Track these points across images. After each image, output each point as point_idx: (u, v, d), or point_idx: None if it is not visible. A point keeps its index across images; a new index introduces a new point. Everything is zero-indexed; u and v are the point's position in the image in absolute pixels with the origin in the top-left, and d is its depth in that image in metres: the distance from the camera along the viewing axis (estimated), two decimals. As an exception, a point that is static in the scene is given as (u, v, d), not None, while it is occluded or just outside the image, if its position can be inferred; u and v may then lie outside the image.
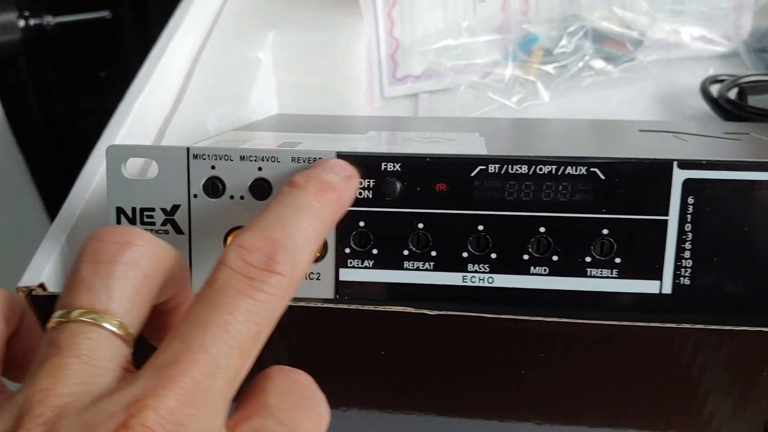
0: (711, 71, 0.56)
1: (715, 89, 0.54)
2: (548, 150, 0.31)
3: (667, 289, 0.30)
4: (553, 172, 0.29)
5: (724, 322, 0.30)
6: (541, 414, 0.33)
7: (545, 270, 0.30)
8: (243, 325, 0.21)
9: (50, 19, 0.77)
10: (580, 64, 0.55)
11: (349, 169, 0.29)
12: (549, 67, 0.54)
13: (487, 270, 0.30)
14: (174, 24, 0.49)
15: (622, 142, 0.38)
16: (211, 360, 0.20)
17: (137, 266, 0.23)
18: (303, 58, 0.52)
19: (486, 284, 0.30)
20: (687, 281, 0.30)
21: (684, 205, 0.29)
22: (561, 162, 0.29)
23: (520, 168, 0.29)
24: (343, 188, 0.28)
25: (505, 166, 0.29)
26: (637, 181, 0.29)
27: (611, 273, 0.30)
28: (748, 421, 0.32)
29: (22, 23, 0.74)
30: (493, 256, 0.30)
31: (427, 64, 0.56)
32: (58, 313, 0.22)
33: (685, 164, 0.29)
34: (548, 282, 0.30)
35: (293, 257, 0.23)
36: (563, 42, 0.55)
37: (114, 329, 0.22)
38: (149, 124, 0.43)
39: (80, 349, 0.21)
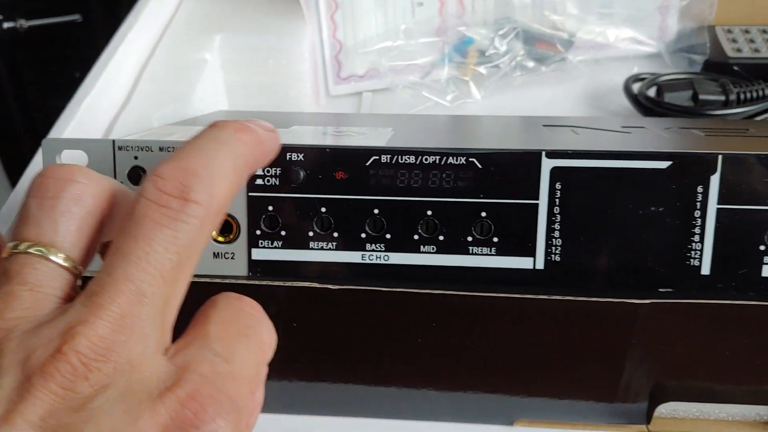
0: (636, 70, 0.60)
1: (636, 87, 0.57)
2: (438, 142, 0.34)
3: (540, 265, 0.33)
4: (437, 161, 0.33)
5: (592, 294, 0.33)
6: (438, 380, 0.36)
7: (433, 248, 0.34)
8: (162, 255, 0.22)
9: (23, 23, 0.80)
10: (513, 64, 0.59)
11: (268, 126, 0.28)
12: (482, 68, 0.58)
13: (383, 249, 0.34)
14: (125, 28, 0.53)
15: (512, 136, 0.41)
16: (135, 289, 0.21)
17: (79, 202, 0.24)
18: (250, 60, 0.55)
19: (382, 261, 0.34)
20: (557, 258, 0.33)
21: (552, 190, 0.33)
22: (444, 153, 0.33)
23: (409, 158, 0.33)
24: (264, 135, 0.27)
25: (396, 156, 0.33)
26: (510, 169, 0.33)
27: (490, 251, 0.33)
28: (625, 392, 0.36)
29: (-5, 27, 0.77)
30: (388, 236, 0.34)
31: (369, 64, 0.59)
32: (9, 245, 0.24)
33: (552, 154, 0.33)
34: (436, 259, 0.34)
35: (209, 186, 0.23)
36: (496, 43, 0.58)
37: (59, 261, 0.23)
38: (99, 122, 0.47)
39: (27, 278, 0.23)
